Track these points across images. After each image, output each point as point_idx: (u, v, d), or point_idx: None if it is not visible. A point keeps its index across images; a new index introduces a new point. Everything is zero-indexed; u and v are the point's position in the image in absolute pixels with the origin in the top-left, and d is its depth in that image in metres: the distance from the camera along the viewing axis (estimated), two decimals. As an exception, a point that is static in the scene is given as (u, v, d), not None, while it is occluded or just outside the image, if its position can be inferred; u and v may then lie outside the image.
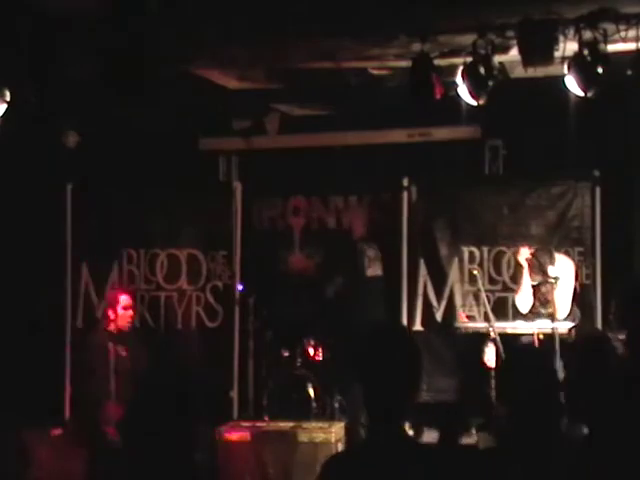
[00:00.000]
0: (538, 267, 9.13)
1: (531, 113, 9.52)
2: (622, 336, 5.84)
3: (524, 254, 9.24)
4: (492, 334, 8.96)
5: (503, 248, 10.04)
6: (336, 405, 9.59)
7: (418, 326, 10.14)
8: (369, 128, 10.39)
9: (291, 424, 9.12)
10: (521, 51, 7.93)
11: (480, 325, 9.33)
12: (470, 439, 9.04)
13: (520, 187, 10.19)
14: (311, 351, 9.80)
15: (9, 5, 7.65)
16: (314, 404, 9.51)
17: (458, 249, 10.27)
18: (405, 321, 10.03)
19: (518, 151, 10.18)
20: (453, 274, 10.18)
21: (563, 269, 9.15)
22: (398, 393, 3.52)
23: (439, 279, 10.23)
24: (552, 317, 8.80)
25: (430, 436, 9.12)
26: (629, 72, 7.94)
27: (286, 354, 9.82)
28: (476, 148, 10.24)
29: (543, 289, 9.14)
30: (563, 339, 8.66)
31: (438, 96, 8.36)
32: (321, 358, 9.76)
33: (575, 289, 9.23)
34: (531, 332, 8.95)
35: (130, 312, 9.82)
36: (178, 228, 10.73)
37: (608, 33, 7.81)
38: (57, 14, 7.67)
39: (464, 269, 10.21)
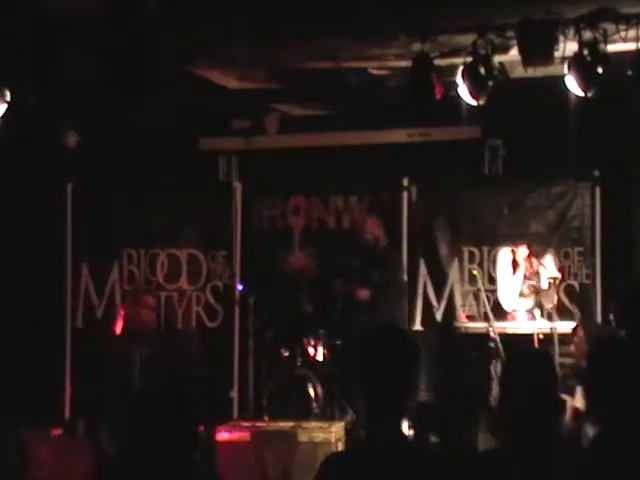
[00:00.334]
0: (535, 268, 9.18)
1: (531, 113, 9.52)
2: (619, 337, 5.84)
3: (522, 253, 9.25)
4: (492, 334, 8.96)
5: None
6: (336, 405, 9.58)
7: (418, 326, 10.14)
8: (369, 128, 10.38)
9: (291, 424, 9.11)
10: (521, 51, 7.93)
11: (480, 325, 9.33)
12: (470, 440, 9.04)
13: (520, 187, 10.19)
14: (311, 351, 9.79)
15: (9, 5, 7.66)
16: (314, 404, 9.50)
17: (458, 249, 10.27)
18: (405, 321, 10.03)
19: (518, 151, 10.17)
20: (453, 274, 10.18)
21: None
22: (396, 393, 3.52)
23: (439, 279, 10.24)
24: (542, 308, 8.84)
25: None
26: (629, 72, 7.94)
27: (286, 354, 9.82)
28: (476, 148, 10.24)
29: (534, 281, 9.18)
30: (562, 339, 8.68)
31: (438, 96, 8.36)
32: (321, 358, 9.74)
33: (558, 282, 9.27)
34: (531, 332, 8.95)
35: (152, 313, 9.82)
36: (178, 228, 10.74)
37: (608, 33, 7.81)
38: (57, 14, 7.67)
39: (464, 269, 10.22)
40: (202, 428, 7.05)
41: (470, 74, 8.22)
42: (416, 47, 8.24)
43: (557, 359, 8.77)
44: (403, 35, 8.07)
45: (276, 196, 10.92)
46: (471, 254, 10.26)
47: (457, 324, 9.70)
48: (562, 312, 9.57)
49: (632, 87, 8.21)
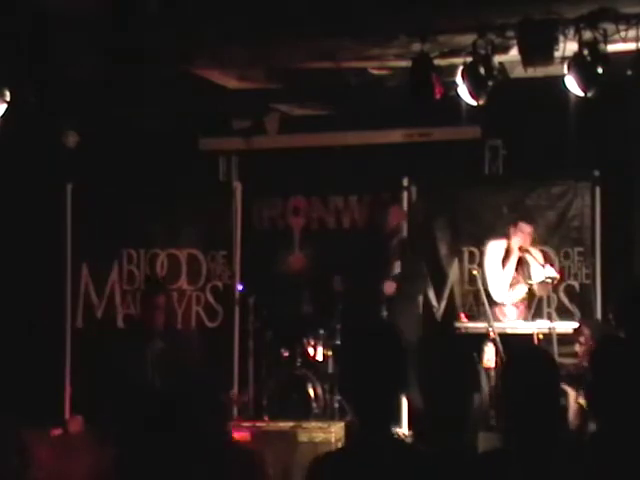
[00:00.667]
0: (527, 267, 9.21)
1: (531, 113, 9.52)
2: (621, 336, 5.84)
3: (516, 242, 9.27)
4: (492, 334, 8.96)
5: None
6: (336, 405, 9.58)
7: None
8: (369, 128, 10.38)
9: (291, 424, 9.11)
10: (521, 51, 7.93)
11: (480, 325, 9.32)
12: (470, 440, 9.02)
13: (520, 187, 10.19)
14: (311, 351, 9.79)
15: (9, 5, 7.66)
16: (314, 404, 9.50)
17: (458, 249, 10.28)
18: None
19: (518, 151, 10.17)
20: (453, 274, 10.18)
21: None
22: (385, 392, 3.52)
23: (439, 279, 10.23)
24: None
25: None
26: (629, 72, 7.94)
27: (286, 354, 9.81)
28: (476, 148, 10.23)
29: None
30: (561, 339, 8.69)
31: (438, 96, 8.36)
32: (321, 358, 9.74)
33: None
34: (530, 332, 8.96)
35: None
36: (178, 228, 10.74)
37: (608, 33, 7.81)
38: (57, 14, 7.68)
39: (464, 269, 10.21)
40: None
41: (470, 74, 8.22)
42: (416, 47, 8.24)
43: (557, 359, 8.78)
44: (403, 35, 8.07)
45: (276, 196, 10.91)
46: (471, 254, 10.26)
47: (457, 324, 9.69)
48: (562, 312, 9.58)
49: (632, 87, 8.22)
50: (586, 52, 7.89)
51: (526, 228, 9.37)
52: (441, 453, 3.83)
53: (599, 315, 9.65)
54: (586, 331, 8.52)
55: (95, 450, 8.56)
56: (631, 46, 7.89)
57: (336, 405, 9.55)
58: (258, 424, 9.30)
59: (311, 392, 9.53)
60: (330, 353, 9.70)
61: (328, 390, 9.59)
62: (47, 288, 10.52)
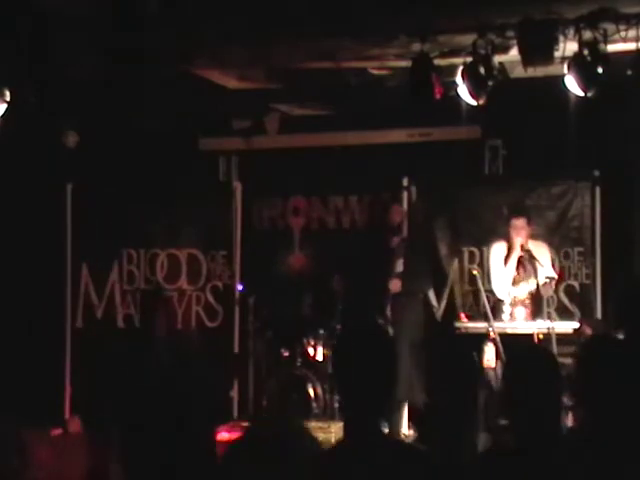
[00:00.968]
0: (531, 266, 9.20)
1: (531, 113, 9.51)
2: (621, 336, 5.84)
3: (519, 240, 9.26)
4: (492, 334, 8.95)
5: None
6: (336, 405, 9.58)
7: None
8: (369, 128, 10.38)
9: (291, 424, 9.10)
10: (521, 51, 7.93)
11: (480, 325, 9.32)
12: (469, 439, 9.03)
13: (520, 187, 10.18)
14: (311, 351, 9.79)
15: (9, 5, 7.66)
16: (314, 404, 9.50)
17: (458, 249, 10.27)
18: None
19: (518, 151, 10.17)
20: (453, 274, 10.17)
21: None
22: (374, 392, 3.53)
23: (439, 279, 10.21)
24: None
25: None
26: (629, 72, 7.94)
27: (286, 354, 9.82)
28: (476, 148, 10.23)
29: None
30: (561, 339, 8.68)
31: (438, 96, 8.36)
32: (321, 358, 9.74)
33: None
34: (530, 332, 8.95)
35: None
36: (178, 228, 10.75)
37: (608, 33, 7.81)
38: (57, 14, 7.67)
39: (464, 269, 10.21)
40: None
41: (470, 74, 8.22)
42: (416, 47, 8.23)
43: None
44: (403, 35, 8.07)
45: (276, 196, 10.91)
46: (471, 254, 10.26)
47: (457, 324, 9.68)
48: (562, 312, 9.57)
49: (632, 87, 8.22)
50: (586, 52, 7.89)
51: (518, 222, 9.34)
52: (433, 452, 3.83)
53: (599, 315, 9.64)
54: (587, 331, 8.52)
55: (95, 450, 8.58)
56: (631, 46, 7.89)
57: (336, 405, 9.55)
58: (258, 424, 9.29)
59: (311, 392, 9.53)
60: (330, 353, 9.70)
61: (328, 390, 9.59)
62: (47, 288, 10.52)
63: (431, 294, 10.16)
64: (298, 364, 9.72)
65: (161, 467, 5.57)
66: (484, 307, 9.26)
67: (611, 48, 7.91)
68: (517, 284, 9.37)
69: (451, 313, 10.02)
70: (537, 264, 9.16)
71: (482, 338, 9.00)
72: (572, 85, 8.04)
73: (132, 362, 8.79)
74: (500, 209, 9.85)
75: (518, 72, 8.55)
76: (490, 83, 8.19)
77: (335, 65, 8.85)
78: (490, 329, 9.00)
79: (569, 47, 7.92)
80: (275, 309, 10.11)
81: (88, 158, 10.31)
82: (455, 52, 8.39)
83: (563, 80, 8.06)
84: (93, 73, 8.17)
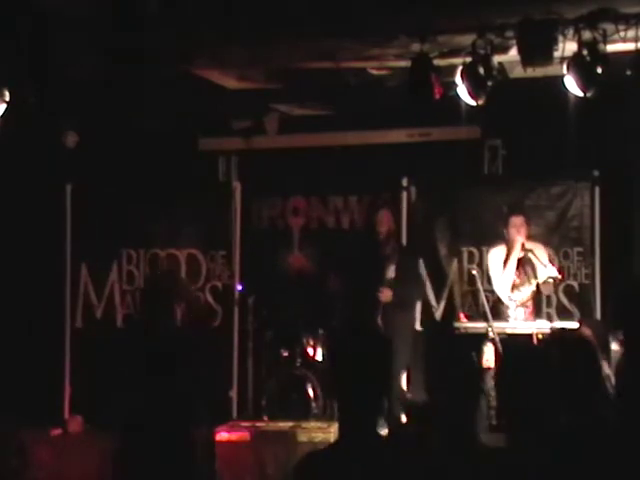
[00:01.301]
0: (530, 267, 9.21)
1: (530, 113, 9.52)
2: (621, 336, 5.84)
3: (519, 240, 9.25)
4: (491, 334, 8.96)
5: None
6: (335, 405, 9.58)
7: (417, 326, 10.12)
8: (369, 128, 10.38)
9: (290, 424, 9.12)
10: (520, 51, 7.93)
11: (479, 325, 9.32)
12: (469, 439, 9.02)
13: (519, 187, 10.19)
14: (310, 351, 9.79)
15: (9, 5, 7.66)
16: (313, 404, 9.51)
17: (457, 249, 10.27)
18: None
19: (517, 151, 10.18)
20: (452, 274, 10.17)
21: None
22: (370, 393, 3.53)
23: (438, 279, 10.21)
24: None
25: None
26: (629, 72, 7.95)
27: (286, 354, 9.82)
28: (475, 148, 10.23)
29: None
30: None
31: (437, 96, 8.36)
32: (320, 358, 9.74)
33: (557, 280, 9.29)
34: (530, 332, 8.96)
35: None
36: (178, 228, 10.75)
37: (607, 33, 7.82)
38: (57, 14, 7.68)
39: (463, 269, 10.21)
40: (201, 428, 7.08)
41: (469, 74, 8.23)
42: (416, 47, 8.24)
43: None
44: (403, 35, 8.08)
45: (276, 196, 10.92)
46: (470, 254, 10.26)
47: (456, 324, 9.68)
48: (561, 312, 9.58)
49: (632, 87, 8.22)
50: (585, 52, 7.89)
51: (517, 220, 9.36)
52: (432, 452, 3.84)
53: (598, 315, 9.65)
54: (587, 331, 8.52)
55: (95, 450, 8.58)
56: (630, 46, 7.90)
57: (335, 405, 9.55)
58: (257, 424, 9.32)
59: (311, 392, 9.53)
60: (327, 353, 9.70)
61: (327, 390, 9.59)
62: (47, 288, 10.52)
63: (430, 294, 10.17)
64: (298, 364, 9.73)
65: (161, 467, 5.57)
66: (483, 307, 9.27)
67: (610, 48, 7.92)
68: (517, 288, 9.37)
69: (450, 313, 10.03)
70: (538, 264, 9.17)
71: (481, 338, 9.01)
72: (571, 85, 8.04)
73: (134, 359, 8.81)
74: (500, 209, 9.86)
75: (517, 72, 8.55)
76: (489, 83, 8.20)
77: (335, 65, 8.85)
78: (489, 329, 9.01)
79: (568, 47, 7.93)
80: (275, 309, 10.12)
81: (88, 158, 10.31)
82: (455, 52, 8.40)
83: (562, 80, 8.07)
84: (93, 73, 8.17)
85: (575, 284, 9.99)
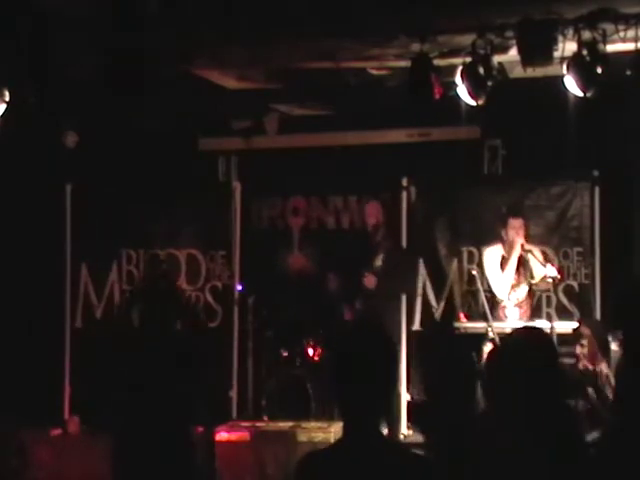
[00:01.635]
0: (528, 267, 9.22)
1: (530, 113, 9.52)
2: (621, 336, 5.85)
3: (518, 240, 9.27)
4: (491, 334, 8.96)
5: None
6: (335, 405, 9.58)
7: (417, 326, 10.14)
8: (369, 128, 10.39)
9: (290, 424, 9.13)
10: (520, 51, 7.94)
11: (479, 325, 9.33)
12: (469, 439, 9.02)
13: (519, 187, 10.19)
14: (310, 351, 9.80)
15: (9, 5, 7.66)
16: (313, 404, 9.51)
17: (457, 249, 10.27)
18: (404, 321, 10.04)
19: (517, 151, 10.18)
20: (452, 274, 10.17)
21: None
22: (373, 393, 3.53)
23: (438, 279, 10.22)
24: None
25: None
26: (628, 72, 7.95)
27: (285, 354, 9.83)
28: (475, 148, 10.24)
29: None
30: (561, 339, 8.70)
31: (437, 96, 8.37)
32: (320, 358, 9.75)
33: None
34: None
35: None
36: (178, 228, 10.75)
37: (607, 33, 7.82)
38: (57, 14, 7.68)
39: (463, 269, 10.21)
40: (201, 428, 7.08)
41: (469, 74, 8.23)
42: (416, 47, 8.24)
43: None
44: (403, 35, 8.08)
45: (275, 196, 10.93)
46: (470, 254, 10.26)
47: (456, 324, 9.69)
48: (561, 312, 9.58)
49: (631, 87, 8.23)
50: (585, 52, 7.90)
51: (517, 222, 9.37)
52: (433, 452, 3.84)
53: (598, 315, 9.65)
54: (586, 331, 8.52)
55: (95, 450, 8.58)
56: (630, 46, 7.90)
57: (336, 405, 9.55)
58: (257, 424, 9.32)
59: (311, 392, 9.54)
60: (328, 353, 9.70)
61: (327, 390, 9.60)
62: (47, 288, 10.52)
63: (430, 294, 10.18)
64: (298, 364, 9.73)
65: (161, 467, 5.57)
66: (483, 307, 9.27)
67: (610, 48, 7.92)
68: (515, 289, 9.37)
69: (450, 313, 10.04)
70: (535, 264, 9.18)
71: (481, 338, 9.02)
72: (571, 85, 8.05)
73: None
74: (499, 209, 9.86)
75: (517, 72, 8.56)
76: (489, 83, 8.20)
77: (335, 65, 8.86)
78: (489, 329, 9.02)
79: (568, 47, 7.93)
80: (275, 309, 10.13)
81: (88, 158, 10.31)
82: (455, 52, 8.40)
83: (562, 80, 8.07)
84: (93, 73, 8.17)
85: (575, 284, 9.99)
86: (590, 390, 8.41)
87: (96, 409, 9.11)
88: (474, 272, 9.58)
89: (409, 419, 9.71)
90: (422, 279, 10.21)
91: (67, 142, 10.17)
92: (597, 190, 9.88)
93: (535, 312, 9.40)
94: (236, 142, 10.83)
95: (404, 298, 10.07)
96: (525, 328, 4.63)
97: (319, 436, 8.82)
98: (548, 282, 9.20)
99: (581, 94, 8.09)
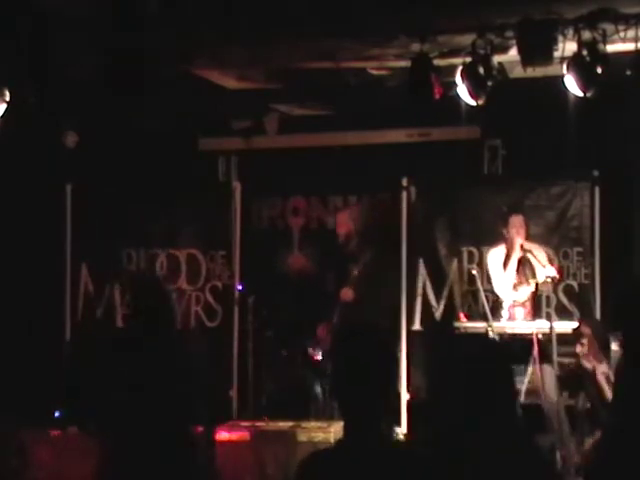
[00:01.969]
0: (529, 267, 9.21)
1: (530, 113, 9.52)
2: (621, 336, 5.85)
3: (519, 240, 9.27)
4: (491, 334, 8.96)
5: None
6: (335, 405, 9.59)
7: (417, 326, 10.14)
8: (369, 128, 10.39)
9: (290, 424, 9.12)
10: (520, 51, 7.94)
11: (479, 325, 9.33)
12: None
13: (519, 187, 10.19)
14: (310, 351, 9.80)
15: (9, 5, 7.67)
16: (313, 404, 9.51)
17: (457, 249, 10.27)
18: (404, 321, 10.04)
19: (517, 151, 10.18)
20: (452, 274, 10.18)
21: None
22: (373, 394, 3.53)
23: (438, 279, 10.23)
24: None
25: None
26: (628, 72, 7.95)
27: (286, 354, 9.82)
28: (475, 148, 10.24)
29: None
30: (561, 339, 8.71)
31: (437, 96, 8.37)
32: (321, 358, 9.75)
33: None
34: (530, 332, 8.96)
35: None
36: (177, 228, 10.75)
37: (607, 33, 7.82)
38: (57, 14, 7.68)
39: (463, 269, 10.21)
40: (201, 428, 7.08)
41: (469, 74, 8.24)
42: (416, 47, 8.25)
43: (556, 359, 8.79)
44: (403, 35, 8.09)
45: (275, 196, 10.93)
46: (470, 254, 10.26)
47: (456, 324, 9.69)
48: (561, 312, 9.59)
49: (632, 87, 8.23)
50: (585, 52, 7.90)
51: (517, 219, 9.37)
52: (432, 453, 3.84)
53: (598, 315, 9.65)
54: (587, 331, 8.52)
55: (95, 450, 8.58)
56: (630, 46, 7.91)
57: (335, 405, 9.55)
58: (257, 424, 9.31)
59: (310, 392, 9.54)
60: (329, 353, 9.70)
61: (328, 390, 9.60)
62: (47, 288, 10.52)
63: (430, 294, 10.19)
64: (298, 364, 9.73)
65: (161, 467, 5.57)
66: (483, 307, 9.28)
67: (610, 48, 7.93)
68: (516, 288, 9.38)
69: (450, 313, 10.04)
70: (536, 264, 9.18)
71: (481, 338, 9.01)
72: (571, 85, 8.05)
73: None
74: (500, 209, 9.86)
75: (517, 72, 8.56)
76: (489, 83, 8.21)
77: (335, 65, 8.86)
78: (489, 329, 9.02)
79: (568, 47, 7.94)
80: (275, 309, 10.13)
81: (88, 158, 10.31)
82: (455, 52, 8.40)
83: (562, 80, 8.07)
84: (93, 73, 8.17)
85: (575, 284, 9.99)
86: (590, 390, 8.41)
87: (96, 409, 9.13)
88: (474, 272, 9.59)
89: (409, 419, 9.70)
90: (422, 279, 10.21)
91: (67, 142, 10.17)
92: (597, 190, 9.87)
93: (535, 312, 9.40)
94: (236, 142, 10.83)
95: (404, 298, 10.07)
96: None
97: (319, 436, 8.81)
98: (547, 282, 9.20)
99: (581, 94, 8.10)
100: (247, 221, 10.79)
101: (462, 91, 8.31)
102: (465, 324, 9.52)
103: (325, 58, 8.72)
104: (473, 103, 8.38)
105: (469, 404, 3.82)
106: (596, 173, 9.86)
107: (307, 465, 3.62)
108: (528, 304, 9.39)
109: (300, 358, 9.76)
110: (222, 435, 8.85)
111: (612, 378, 7.91)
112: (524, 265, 9.29)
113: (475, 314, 9.78)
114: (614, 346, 8.09)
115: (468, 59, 8.23)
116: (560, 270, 9.58)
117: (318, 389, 9.57)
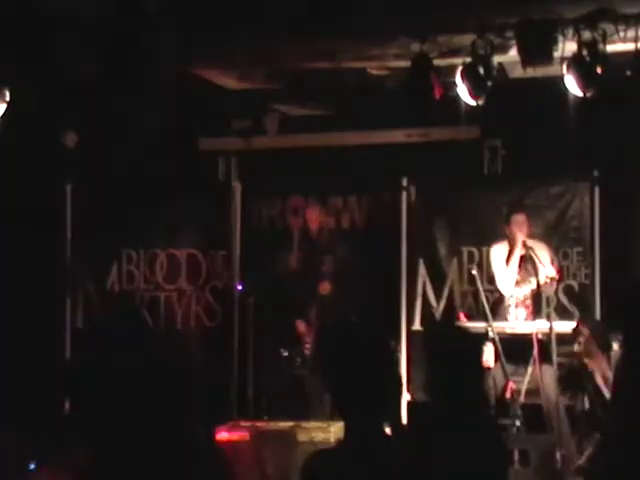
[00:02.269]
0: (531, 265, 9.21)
1: (530, 113, 9.52)
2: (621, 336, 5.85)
3: (520, 237, 9.26)
4: (491, 334, 8.96)
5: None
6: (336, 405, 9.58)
7: (417, 326, 10.14)
8: (368, 128, 10.39)
9: (290, 424, 9.12)
10: (520, 51, 7.94)
11: (479, 325, 9.33)
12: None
13: (519, 187, 10.19)
14: (310, 351, 9.80)
15: (9, 5, 7.67)
16: (313, 404, 9.51)
17: (457, 249, 10.27)
18: (404, 321, 10.04)
19: (517, 151, 10.18)
20: (452, 274, 10.18)
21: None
22: (369, 391, 3.53)
23: (438, 279, 10.23)
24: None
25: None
26: (628, 72, 7.95)
27: (286, 354, 9.82)
28: (475, 148, 10.24)
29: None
30: (561, 339, 8.71)
31: (437, 96, 8.37)
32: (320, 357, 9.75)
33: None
34: (530, 332, 8.96)
35: None
36: (177, 228, 10.74)
37: (607, 33, 7.82)
38: (56, 14, 7.68)
39: (463, 269, 10.22)
40: (201, 428, 7.08)
41: (469, 74, 8.24)
42: (415, 47, 8.25)
43: (556, 359, 8.78)
44: (403, 35, 8.09)
45: (275, 196, 10.93)
46: (470, 254, 10.26)
47: (456, 324, 9.69)
48: (561, 312, 9.58)
49: (632, 87, 8.23)
50: (585, 52, 7.90)
51: (519, 217, 9.37)
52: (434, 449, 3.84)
53: (598, 315, 9.65)
54: (585, 331, 8.52)
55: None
56: (630, 46, 7.91)
57: (335, 405, 9.54)
58: (257, 424, 9.31)
59: (310, 392, 9.54)
60: (328, 353, 9.69)
61: (322, 387, 9.60)
62: (47, 288, 10.50)
63: (430, 294, 10.19)
64: (298, 364, 9.73)
65: (161, 467, 5.57)
66: (483, 307, 9.28)
67: (610, 48, 7.93)
68: (519, 285, 9.38)
69: (450, 313, 10.04)
70: (538, 262, 9.18)
71: (481, 338, 9.01)
72: (571, 85, 8.05)
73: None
74: (500, 209, 9.87)
75: (517, 72, 8.56)
76: (489, 83, 8.21)
77: (335, 65, 8.86)
78: (489, 329, 9.02)
79: (568, 47, 7.94)
80: (275, 309, 10.12)
81: (88, 158, 10.31)
82: (455, 52, 8.40)
83: (562, 80, 8.08)
84: (93, 73, 8.17)
85: (575, 284, 9.99)
86: (589, 389, 8.42)
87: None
88: (474, 272, 9.58)
89: (409, 419, 9.69)
90: (422, 279, 10.21)
91: (67, 142, 10.17)
92: (597, 190, 9.88)
93: (535, 312, 9.40)
94: (236, 142, 10.83)
95: (404, 298, 10.07)
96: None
97: (319, 436, 8.81)
98: (547, 282, 9.20)
99: (581, 94, 8.10)
100: (247, 221, 10.79)
101: (462, 91, 8.32)
102: (465, 324, 9.52)
103: (325, 58, 8.72)
104: (473, 103, 8.38)
105: (438, 382, 3.85)
106: (596, 173, 9.86)
107: (311, 464, 3.61)
108: (530, 303, 9.38)
109: (300, 358, 9.76)
110: (222, 435, 8.84)
111: (612, 378, 7.92)
112: (526, 262, 9.29)
113: (475, 314, 9.79)
114: (614, 346, 8.09)
115: (468, 59, 8.23)
116: (560, 270, 9.59)
117: (318, 389, 9.57)
